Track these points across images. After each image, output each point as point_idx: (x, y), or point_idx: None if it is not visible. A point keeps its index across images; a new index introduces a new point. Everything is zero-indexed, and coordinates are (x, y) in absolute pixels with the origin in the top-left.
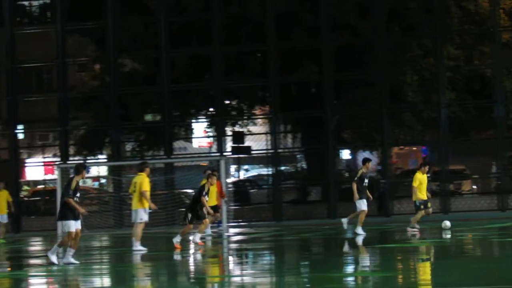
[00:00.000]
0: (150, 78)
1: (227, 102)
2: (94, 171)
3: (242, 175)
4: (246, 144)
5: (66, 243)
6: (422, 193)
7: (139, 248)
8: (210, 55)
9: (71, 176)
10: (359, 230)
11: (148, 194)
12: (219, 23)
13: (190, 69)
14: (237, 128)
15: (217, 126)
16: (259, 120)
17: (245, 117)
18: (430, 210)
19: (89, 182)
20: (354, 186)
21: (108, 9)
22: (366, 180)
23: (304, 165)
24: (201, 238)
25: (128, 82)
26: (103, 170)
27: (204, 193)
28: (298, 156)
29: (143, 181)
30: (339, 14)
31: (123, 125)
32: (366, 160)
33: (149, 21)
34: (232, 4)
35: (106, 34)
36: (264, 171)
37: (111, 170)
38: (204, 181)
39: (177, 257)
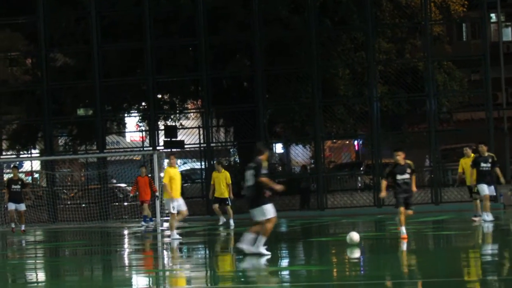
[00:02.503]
0: (82, 72)
1: (159, 96)
2: (27, 166)
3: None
4: (179, 138)
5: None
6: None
7: (176, 237)
8: (142, 49)
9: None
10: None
11: (168, 186)
12: (151, 17)
13: (122, 63)
14: (169, 123)
15: (150, 120)
16: (192, 114)
17: (178, 111)
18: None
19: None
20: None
21: (39, 3)
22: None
23: (237, 159)
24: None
25: (60, 76)
26: (36, 165)
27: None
28: (231, 150)
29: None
30: (271, 8)
31: (55, 119)
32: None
33: (81, 15)
34: None
35: (37, 28)
36: (197, 165)
37: (44, 164)
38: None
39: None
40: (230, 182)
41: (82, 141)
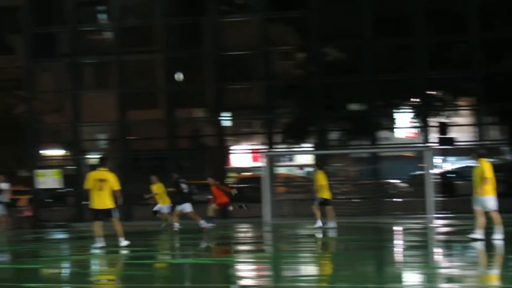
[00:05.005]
0: (354, 67)
1: (431, 93)
2: (299, 159)
3: (448, 166)
4: (451, 135)
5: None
6: None
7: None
8: (412, 45)
9: None
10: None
11: (488, 180)
12: (423, 13)
13: (393, 59)
14: (441, 119)
15: (422, 117)
16: (463, 111)
17: (449, 108)
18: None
19: (295, 171)
20: None
21: None
22: None
23: (510, 158)
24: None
25: (332, 71)
26: (308, 159)
27: None
28: (503, 148)
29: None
30: None
31: (327, 114)
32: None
33: (353, 10)
34: None
35: (309, 23)
36: (469, 163)
37: (316, 159)
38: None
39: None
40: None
41: (354, 136)
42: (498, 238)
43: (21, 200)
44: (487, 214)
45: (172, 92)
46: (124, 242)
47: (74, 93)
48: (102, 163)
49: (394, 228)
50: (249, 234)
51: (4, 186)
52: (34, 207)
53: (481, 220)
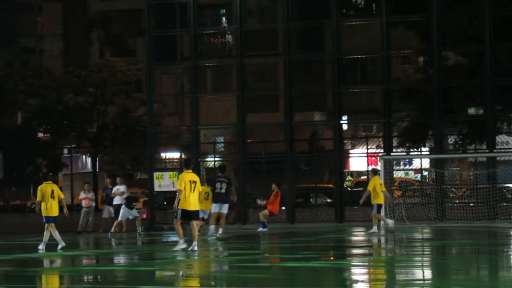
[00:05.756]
0: (474, 71)
1: None
2: (416, 163)
3: None
4: None
5: None
6: None
7: None
8: None
9: None
10: None
11: None
12: None
13: None
14: None
15: None
16: None
17: None
18: None
19: (412, 175)
20: None
21: (433, 2)
22: None
23: None
24: None
25: (451, 75)
26: (425, 163)
27: None
28: None
29: None
30: None
31: (446, 118)
32: None
33: (474, 14)
34: None
35: (430, 27)
36: None
37: (434, 162)
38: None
39: None
40: None
41: (472, 140)
42: None
43: (138, 202)
44: None
45: (291, 96)
46: (195, 247)
47: (193, 96)
48: (187, 165)
49: (510, 232)
50: (364, 238)
51: (122, 188)
52: (150, 209)
53: None
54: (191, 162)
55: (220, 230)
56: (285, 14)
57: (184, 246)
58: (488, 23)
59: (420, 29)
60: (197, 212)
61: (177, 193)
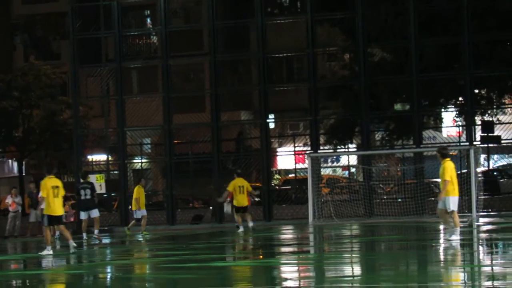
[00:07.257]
0: (399, 67)
1: (476, 91)
2: (344, 160)
3: (491, 164)
4: (496, 133)
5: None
6: None
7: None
8: (459, 44)
9: None
10: None
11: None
12: (468, 11)
13: (439, 58)
14: (486, 118)
15: (466, 115)
16: (509, 109)
17: (495, 107)
18: None
19: (339, 172)
20: None
21: None
22: None
23: None
24: None
25: (377, 71)
26: (353, 160)
27: None
28: None
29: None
30: None
31: (373, 114)
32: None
33: (398, 10)
34: None
35: (355, 24)
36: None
37: (361, 159)
38: None
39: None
40: None
41: (399, 136)
42: None
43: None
44: None
45: (218, 95)
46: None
47: (119, 98)
48: (49, 170)
49: (438, 227)
50: (292, 236)
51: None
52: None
53: None
54: (54, 168)
55: (96, 231)
56: (210, 14)
57: (50, 252)
58: (413, 19)
59: (345, 26)
60: (61, 216)
61: (39, 201)
